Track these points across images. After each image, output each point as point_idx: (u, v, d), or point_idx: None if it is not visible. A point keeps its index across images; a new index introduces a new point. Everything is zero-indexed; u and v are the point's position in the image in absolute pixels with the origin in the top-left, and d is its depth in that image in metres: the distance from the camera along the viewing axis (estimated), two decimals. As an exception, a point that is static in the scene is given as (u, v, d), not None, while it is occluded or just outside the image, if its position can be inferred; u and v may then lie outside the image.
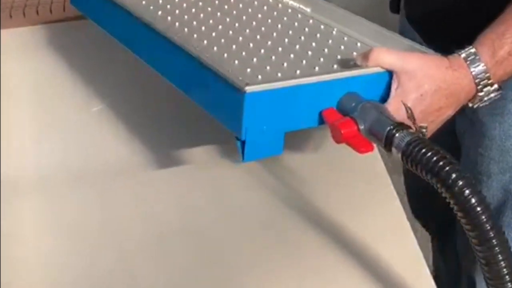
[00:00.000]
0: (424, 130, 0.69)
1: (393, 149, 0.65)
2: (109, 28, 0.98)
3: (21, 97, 1.13)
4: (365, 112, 0.69)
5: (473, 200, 0.59)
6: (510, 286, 0.61)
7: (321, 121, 0.71)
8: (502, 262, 0.61)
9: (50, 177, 0.98)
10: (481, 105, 0.78)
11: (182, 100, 1.10)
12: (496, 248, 0.60)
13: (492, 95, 0.77)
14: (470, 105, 0.77)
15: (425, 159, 0.61)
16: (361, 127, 0.68)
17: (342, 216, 0.88)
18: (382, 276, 0.81)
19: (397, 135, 0.65)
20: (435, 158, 0.61)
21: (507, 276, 0.61)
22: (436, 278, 0.90)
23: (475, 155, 1.03)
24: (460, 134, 1.08)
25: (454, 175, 0.59)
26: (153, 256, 0.85)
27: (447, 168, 0.60)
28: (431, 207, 1.32)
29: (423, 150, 0.62)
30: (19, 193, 0.95)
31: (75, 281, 0.83)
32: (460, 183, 0.59)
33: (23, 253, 0.86)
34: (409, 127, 0.66)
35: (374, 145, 0.70)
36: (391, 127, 0.66)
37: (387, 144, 0.66)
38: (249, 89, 0.66)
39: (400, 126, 0.66)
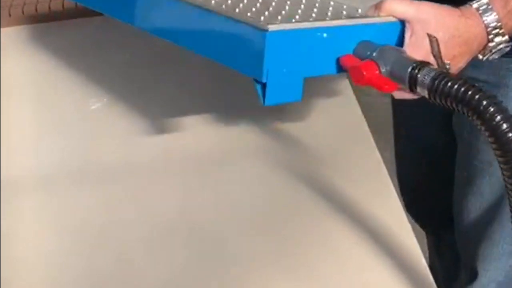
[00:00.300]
0: (447, 67, 0.69)
1: (418, 88, 0.65)
2: (106, 7, 0.97)
3: (21, 96, 1.13)
4: (384, 54, 0.69)
5: (504, 126, 0.58)
6: None
7: (339, 69, 0.72)
8: None
9: (50, 176, 0.98)
10: (490, 57, 0.78)
11: (181, 98, 1.10)
12: None
13: (502, 45, 0.77)
14: (480, 57, 0.77)
15: (453, 91, 0.61)
16: (383, 69, 0.68)
17: (341, 213, 0.89)
18: (382, 272, 0.81)
19: (420, 73, 0.65)
20: (463, 88, 0.60)
21: None
22: (432, 272, 0.91)
23: (476, 144, 1.03)
24: (457, 125, 1.08)
25: (485, 102, 0.59)
26: (153, 255, 0.85)
27: (477, 96, 0.59)
28: (424, 204, 1.32)
29: (450, 83, 0.61)
30: (19, 193, 0.95)
31: (75, 280, 0.83)
32: (492, 109, 0.58)
33: (23, 253, 0.86)
34: (431, 64, 0.66)
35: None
36: (414, 65, 0.65)
37: (411, 83, 0.65)
38: (271, 27, 0.66)
39: (422, 64, 0.66)
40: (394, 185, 0.94)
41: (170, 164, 0.98)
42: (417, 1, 0.76)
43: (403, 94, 0.74)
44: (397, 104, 1.25)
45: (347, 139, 1.02)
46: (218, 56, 0.75)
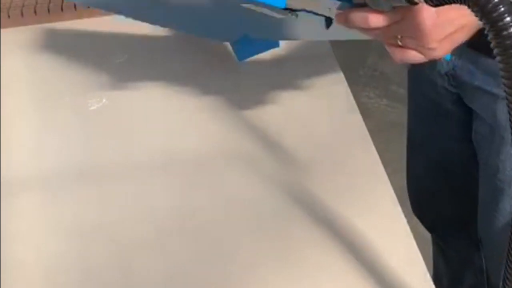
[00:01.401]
0: None
1: None
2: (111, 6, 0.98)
3: (20, 97, 1.13)
4: None
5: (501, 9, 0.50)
6: None
7: None
8: None
9: (49, 176, 0.98)
10: None
11: (181, 98, 1.11)
12: None
13: None
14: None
15: None
16: None
17: (339, 215, 0.89)
18: (381, 276, 0.82)
19: None
20: None
21: None
22: (436, 281, 0.89)
23: (495, 162, 1.01)
24: (477, 141, 1.06)
25: None
26: (153, 254, 0.85)
27: None
28: (434, 211, 1.30)
29: None
30: (19, 193, 0.95)
31: (75, 279, 0.83)
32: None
33: (23, 252, 0.86)
34: None
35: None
36: None
37: None
38: None
39: None
40: (393, 186, 0.94)
41: (170, 165, 0.98)
42: None
43: (404, 54, 0.72)
44: (413, 111, 1.22)
45: (346, 141, 1.02)
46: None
